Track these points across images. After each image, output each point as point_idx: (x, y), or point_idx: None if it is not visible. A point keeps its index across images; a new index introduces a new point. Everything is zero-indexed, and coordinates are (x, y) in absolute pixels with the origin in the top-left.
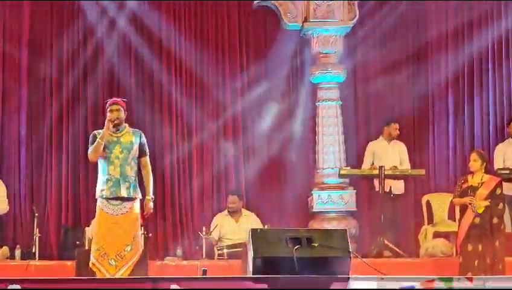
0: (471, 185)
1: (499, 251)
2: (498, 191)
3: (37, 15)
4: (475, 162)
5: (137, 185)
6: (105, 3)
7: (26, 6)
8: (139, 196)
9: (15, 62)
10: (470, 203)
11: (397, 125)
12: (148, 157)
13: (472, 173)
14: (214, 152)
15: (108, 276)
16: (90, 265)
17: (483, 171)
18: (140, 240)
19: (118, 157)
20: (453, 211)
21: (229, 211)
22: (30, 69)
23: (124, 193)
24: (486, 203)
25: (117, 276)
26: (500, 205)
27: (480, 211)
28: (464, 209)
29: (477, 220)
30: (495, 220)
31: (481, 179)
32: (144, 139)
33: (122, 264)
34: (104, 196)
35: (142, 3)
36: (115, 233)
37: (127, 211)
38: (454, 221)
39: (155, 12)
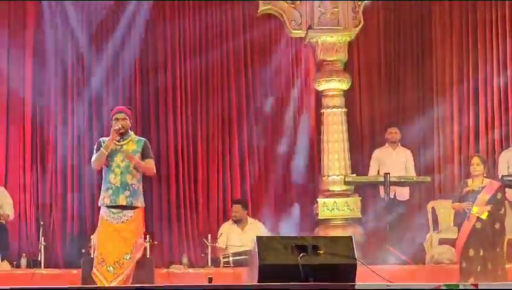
0: (472, 190)
1: (500, 256)
2: (499, 196)
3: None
4: (478, 166)
5: (141, 193)
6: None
7: (30, 17)
8: (141, 204)
9: (20, 71)
10: (467, 209)
11: (393, 130)
12: (152, 160)
13: (472, 177)
14: (219, 160)
15: (105, 283)
16: (92, 275)
17: (483, 175)
18: (139, 249)
19: (119, 166)
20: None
21: (233, 221)
22: (34, 78)
23: (123, 202)
24: (488, 208)
25: (114, 283)
26: (502, 210)
27: (484, 217)
28: (463, 214)
29: (479, 225)
30: (497, 226)
31: (482, 183)
32: (147, 146)
33: (120, 272)
34: (105, 204)
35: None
36: (114, 241)
37: (127, 220)
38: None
39: (159, 18)
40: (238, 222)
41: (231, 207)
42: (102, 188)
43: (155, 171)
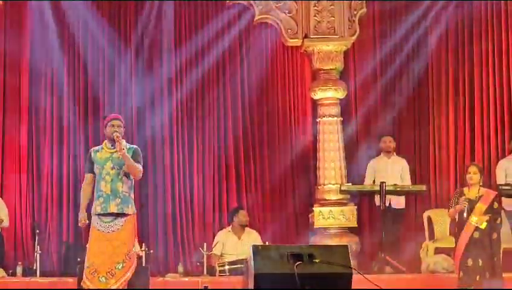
0: (469, 199)
1: (497, 266)
2: (495, 205)
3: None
4: (475, 175)
5: (132, 200)
6: None
7: (25, 25)
8: (132, 211)
9: (16, 77)
10: (464, 207)
11: (387, 138)
12: (140, 165)
13: (468, 186)
14: (215, 169)
15: None
16: (82, 284)
17: (480, 184)
18: (134, 257)
19: (108, 173)
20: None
21: (244, 225)
22: (31, 84)
23: (114, 209)
24: (487, 218)
25: None
26: (498, 220)
27: (483, 226)
28: (460, 223)
29: (477, 234)
30: (494, 236)
31: (478, 193)
32: (138, 153)
33: (112, 282)
34: (96, 212)
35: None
36: (105, 250)
37: (118, 229)
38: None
39: (157, 26)
40: (242, 227)
41: (236, 214)
42: (94, 197)
43: (141, 175)
